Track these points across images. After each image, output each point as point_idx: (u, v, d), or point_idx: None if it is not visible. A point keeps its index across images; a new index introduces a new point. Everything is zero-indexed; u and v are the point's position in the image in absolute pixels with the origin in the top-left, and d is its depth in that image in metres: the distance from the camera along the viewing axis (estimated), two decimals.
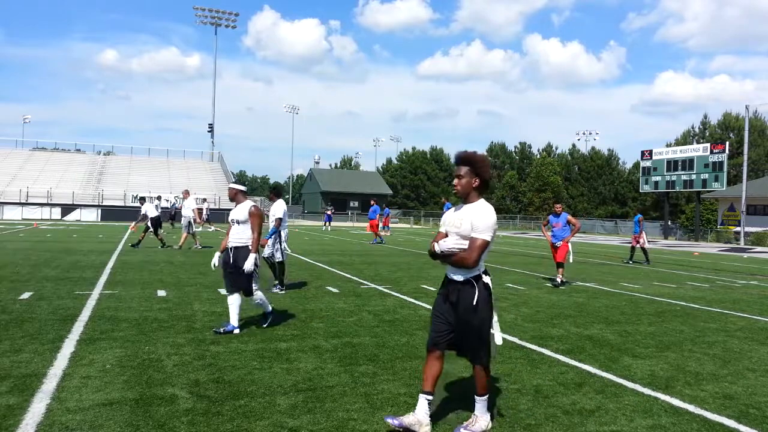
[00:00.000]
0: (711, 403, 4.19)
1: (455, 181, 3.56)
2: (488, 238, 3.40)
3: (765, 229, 36.97)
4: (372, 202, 25.63)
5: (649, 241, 19.73)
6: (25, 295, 7.71)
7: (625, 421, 3.76)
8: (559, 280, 10.65)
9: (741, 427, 3.75)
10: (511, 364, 5.06)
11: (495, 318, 3.56)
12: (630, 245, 17.96)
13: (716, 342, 6.30)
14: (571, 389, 4.39)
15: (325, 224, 37.29)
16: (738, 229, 38.38)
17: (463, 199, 3.56)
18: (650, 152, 44.24)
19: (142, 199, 18.33)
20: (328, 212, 38.38)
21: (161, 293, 8.27)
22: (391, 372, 4.68)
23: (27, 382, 4.12)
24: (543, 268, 14.36)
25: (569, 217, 10.82)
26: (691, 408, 4.07)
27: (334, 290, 9.16)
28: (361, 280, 10.52)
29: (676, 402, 4.19)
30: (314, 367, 4.73)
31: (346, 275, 11.26)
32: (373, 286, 9.83)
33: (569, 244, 10.74)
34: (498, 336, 3.58)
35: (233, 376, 4.42)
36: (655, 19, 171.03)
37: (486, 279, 3.50)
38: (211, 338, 5.63)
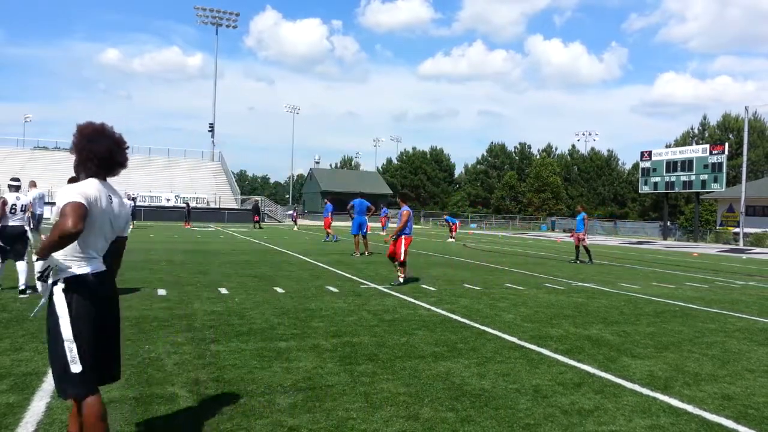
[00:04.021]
0: (710, 404, 4.20)
1: None
2: (66, 201, 2.57)
3: (764, 230, 36.98)
4: (326, 201, 24.43)
5: (644, 242, 19.34)
6: (26, 294, 7.71)
7: (623, 421, 3.77)
8: (400, 279, 10.02)
9: (740, 427, 3.76)
10: (510, 363, 5.08)
11: (69, 342, 2.60)
12: (575, 245, 17.09)
13: (715, 342, 6.31)
14: (570, 389, 4.40)
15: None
16: (737, 230, 38.40)
17: None
18: (650, 153, 44.26)
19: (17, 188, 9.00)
20: (291, 212, 40.86)
21: (161, 292, 8.28)
22: (390, 371, 4.69)
23: (27, 381, 4.13)
24: (542, 268, 14.37)
25: (403, 212, 10.06)
26: (689, 408, 4.08)
27: (334, 290, 9.17)
28: (361, 280, 10.53)
29: (674, 402, 4.20)
30: (314, 366, 4.74)
31: (346, 275, 11.26)
32: (373, 285, 9.84)
33: (403, 240, 9.94)
34: (75, 366, 2.59)
35: (233, 375, 4.43)
36: (656, 19, 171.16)
37: (69, 275, 2.64)
38: (211, 337, 5.64)
